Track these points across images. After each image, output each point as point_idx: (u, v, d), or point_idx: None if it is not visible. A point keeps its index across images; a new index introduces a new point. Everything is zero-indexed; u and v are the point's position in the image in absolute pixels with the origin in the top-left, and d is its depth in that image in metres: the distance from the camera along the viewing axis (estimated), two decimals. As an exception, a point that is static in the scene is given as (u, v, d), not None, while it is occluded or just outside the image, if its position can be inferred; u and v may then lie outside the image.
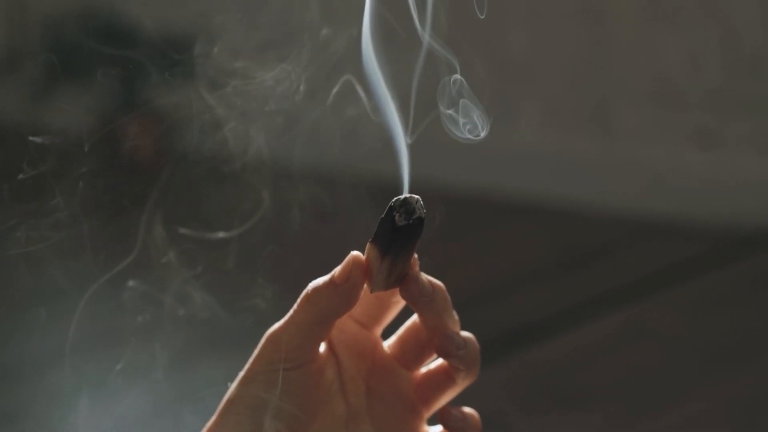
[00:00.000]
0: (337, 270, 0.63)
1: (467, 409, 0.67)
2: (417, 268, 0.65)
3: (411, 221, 0.63)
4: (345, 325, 0.66)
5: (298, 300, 0.63)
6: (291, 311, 0.63)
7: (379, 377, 0.66)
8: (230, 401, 0.64)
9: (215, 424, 0.64)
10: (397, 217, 0.63)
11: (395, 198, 0.63)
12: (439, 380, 0.67)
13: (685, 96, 3.15)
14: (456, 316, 0.67)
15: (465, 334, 0.67)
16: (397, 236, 0.62)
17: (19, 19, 3.86)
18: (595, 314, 2.57)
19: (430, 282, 0.64)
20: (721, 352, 2.38)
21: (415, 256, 0.65)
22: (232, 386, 0.64)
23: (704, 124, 3.13)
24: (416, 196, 0.64)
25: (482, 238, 3.08)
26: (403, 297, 0.64)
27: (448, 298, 0.66)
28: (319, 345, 0.64)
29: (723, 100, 3.11)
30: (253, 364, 0.64)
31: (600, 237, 3.05)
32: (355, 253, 0.63)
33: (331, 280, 0.62)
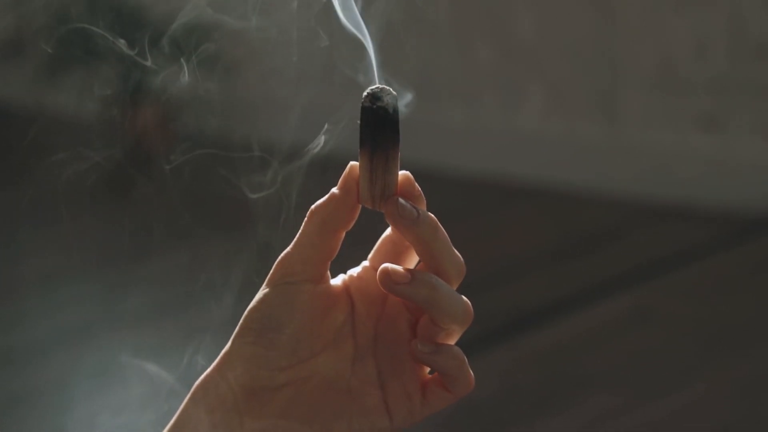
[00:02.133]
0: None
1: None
2: (412, 190, 0.67)
3: (374, 106, 0.66)
4: (363, 272, 0.70)
5: (304, 220, 0.68)
6: (297, 234, 0.68)
7: (387, 323, 0.69)
8: (241, 329, 0.67)
9: (225, 351, 0.68)
10: (363, 100, 0.66)
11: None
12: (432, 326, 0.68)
13: (690, 81, 3.15)
14: (456, 256, 0.68)
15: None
16: (365, 125, 0.66)
17: (24, 1, 3.86)
18: (601, 299, 2.57)
19: (415, 206, 0.67)
20: (725, 336, 2.38)
21: (412, 181, 0.67)
22: (246, 313, 0.67)
23: (709, 109, 3.13)
24: (387, 88, 0.67)
25: (487, 222, 3.08)
26: (387, 218, 0.67)
27: (439, 228, 0.67)
28: (326, 261, 0.68)
29: (728, 85, 3.10)
30: (264, 285, 0.67)
31: (605, 222, 3.05)
32: (352, 162, 0.67)
33: (331, 193, 0.67)
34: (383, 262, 0.69)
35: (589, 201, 3.17)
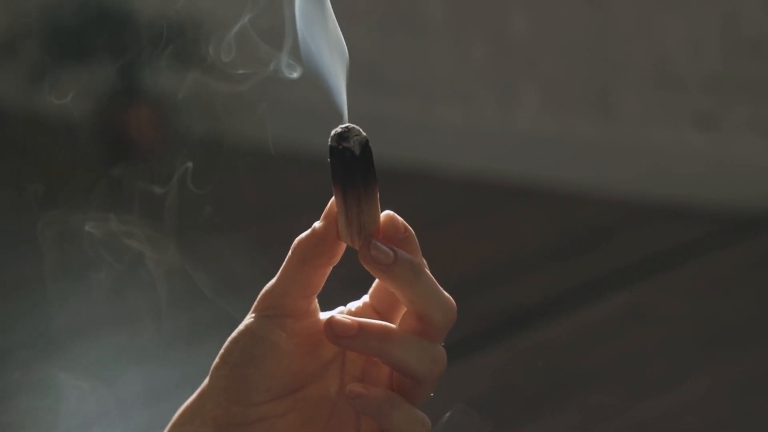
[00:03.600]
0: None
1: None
2: (395, 231, 0.64)
3: (340, 146, 0.64)
4: (362, 308, 0.67)
5: (288, 254, 0.66)
6: (280, 268, 0.66)
7: (374, 363, 0.67)
8: (218, 363, 0.65)
9: (205, 382, 0.66)
10: (329, 140, 0.64)
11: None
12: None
13: (685, 79, 3.15)
14: (444, 302, 0.64)
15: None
16: (333, 165, 0.64)
17: (17, 2, 3.85)
18: (597, 297, 2.57)
19: (391, 248, 0.63)
20: (722, 334, 2.38)
21: (396, 222, 0.65)
22: (224, 346, 0.66)
23: (705, 108, 3.13)
24: (356, 127, 0.64)
25: (483, 221, 3.08)
26: (361, 260, 0.64)
27: (422, 272, 0.64)
28: (308, 296, 0.65)
29: (723, 83, 3.10)
30: (247, 317, 0.66)
31: (601, 220, 3.05)
32: (333, 199, 0.65)
33: (312, 228, 0.65)
34: (382, 299, 0.67)
35: (585, 199, 3.17)
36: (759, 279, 2.64)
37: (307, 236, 0.65)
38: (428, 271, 0.65)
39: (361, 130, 0.64)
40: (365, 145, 0.64)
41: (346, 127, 0.64)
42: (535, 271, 2.73)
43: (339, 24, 0.67)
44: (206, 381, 0.66)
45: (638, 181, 3.18)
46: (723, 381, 2.20)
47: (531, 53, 3.37)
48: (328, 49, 0.67)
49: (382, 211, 0.65)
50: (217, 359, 0.65)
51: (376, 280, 0.67)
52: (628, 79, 3.24)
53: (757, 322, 2.43)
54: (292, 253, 0.65)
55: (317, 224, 0.65)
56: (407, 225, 0.65)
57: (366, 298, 0.68)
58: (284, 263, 0.65)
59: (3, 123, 3.59)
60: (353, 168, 0.64)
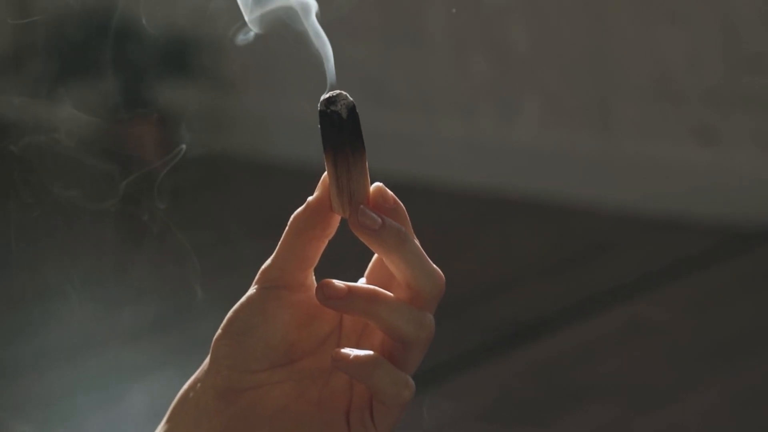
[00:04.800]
0: None
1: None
2: (384, 201, 0.67)
3: (329, 110, 0.66)
4: None
5: (286, 228, 0.69)
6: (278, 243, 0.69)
7: (367, 337, 0.70)
8: (219, 334, 0.68)
9: (207, 359, 0.69)
10: (319, 105, 0.67)
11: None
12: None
13: (685, 92, 3.16)
14: (431, 271, 0.67)
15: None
16: (323, 130, 0.66)
17: (22, 17, 3.87)
18: (597, 311, 2.58)
19: (380, 215, 0.66)
20: (722, 348, 2.38)
21: (384, 192, 0.67)
22: (225, 318, 0.68)
23: (705, 121, 3.14)
24: (344, 93, 0.67)
25: (483, 234, 3.08)
26: (350, 227, 0.67)
27: (408, 240, 0.66)
28: (305, 269, 0.68)
29: (723, 96, 3.11)
30: (246, 293, 0.68)
31: (602, 233, 3.05)
32: (326, 172, 0.68)
33: (307, 202, 0.68)
34: (378, 278, 0.69)
35: (585, 213, 3.17)
36: (760, 292, 2.65)
37: (302, 209, 0.68)
38: (416, 241, 0.67)
39: (348, 95, 0.67)
40: (352, 109, 0.67)
41: (335, 93, 0.67)
42: (536, 285, 2.73)
43: (340, 38, 0.69)
44: (209, 355, 0.69)
45: (639, 195, 3.18)
46: (724, 394, 2.20)
47: (532, 67, 3.38)
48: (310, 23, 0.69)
49: (372, 183, 0.68)
50: (219, 330, 0.68)
51: (372, 261, 0.70)
52: (628, 92, 3.25)
53: (759, 336, 2.43)
54: (289, 227, 0.68)
55: (311, 197, 0.68)
56: (397, 198, 0.68)
57: (362, 279, 0.70)
58: (282, 237, 0.68)
59: (4, 136, 3.59)
60: (341, 131, 0.66)
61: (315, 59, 0.69)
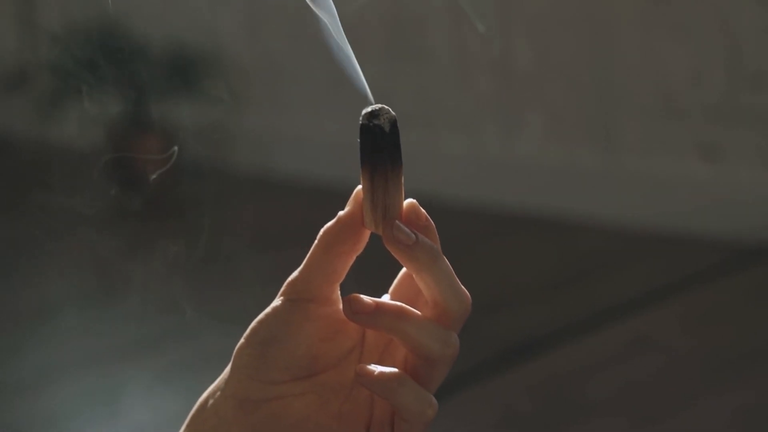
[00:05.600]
0: None
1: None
2: (417, 218, 0.67)
3: (371, 123, 0.66)
4: None
5: (315, 241, 0.68)
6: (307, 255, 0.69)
7: (390, 353, 0.70)
8: (242, 343, 0.68)
9: (228, 367, 0.69)
10: (360, 119, 0.66)
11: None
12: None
13: (688, 109, 3.16)
14: (459, 291, 0.67)
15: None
16: (363, 144, 0.66)
17: (28, 34, 3.88)
18: (599, 327, 2.58)
19: (413, 231, 0.66)
20: (727, 364, 2.38)
21: (418, 208, 0.67)
22: (249, 327, 0.68)
23: (708, 137, 3.14)
24: (386, 107, 0.67)
25: (486, 250, 3.09)
26: (384, 241, 0.67)
27: (440, 258, 0.66)
28: (332, 283, 0.68)
29: (726, 112, 3.12)
30: (272, 304, 0.68)
31: (604, 249, 3.05)
32: (359, 186, 0.68)
33: (338, 216, 0.68)
34: (403, 295, 0.69)
35: (587, 229, 3.17)
36: (761, 310, 2.65)
37: (333, 224, 0.68)
38: (446, 260, 0.67)
39: (390, 109, 0.67)
40: (394, 123, 0.66)
41: (377, 106, 0.67)
42: (538, 300, 2.73)
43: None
44: (230, 363, 0.69)
45: (642, 210, 3.18)
46: (724, 411, 2.20)
47: (535, 83, 3.38)
48: (336, 38, 0.69)
49: (405, 198, 0.68)
50: (242, 340, 0.68)
51: (398, 277, 0.70)
52: (631, 108, 3.25)
53: (763, 351, 2.43)
54: (318, 240, 0.68)
55: (342, 212, 0.68)
56: (428, 216, 0.68)
57: (386, 296, 0.70)
58: (310, 250, 0.68)
59: (11, 152, 3.60)
60: (383, 145, 0.66)
61: (343, 76, 0.69)
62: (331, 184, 3.30)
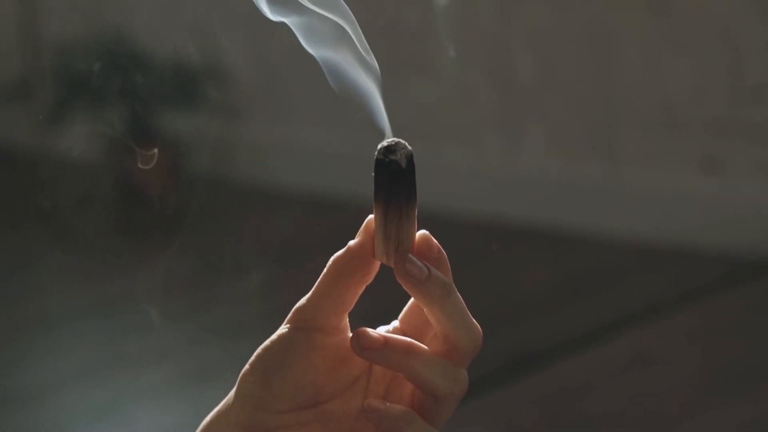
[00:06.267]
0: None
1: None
2: (429, 250, 0.66)
3: (387, 159, 0.65)
4: (392, 332, 0.69)
5: (324, 269, 0.67)
6: (315, 283, 0.68)
7: (396, 385, 0.69)
8: (247, 370, 0.67)
9: (234, 389, 0.68)
10: (376, 153, 0.65)
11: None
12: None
13: (690, 122, 3.16)
14: (471, 327, 0.66)
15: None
16: (378, 178, 0.65)
17: (31, 46, 3.88)
18: (601, 341, 2.57)
19: (426, 265, 0.65)
20: (729, 378, 2.38)
21: (430, 241, 0.66)
22: (254, 354, 0.67)
23: (710, 150, 3.14)
24: (402, 141, 0.66)
25: (489, 263, 3.08)
26: (396, 275, 0.66)
27: (453, 293, 0.66)
28: (340, 313, 0.67)
29: (728, 126, 3.12)
30: (280, 327, 0.67)
31: (606, 263, 3.05)
32: (370, 216, 0.67)
33: (348, 246, 0.67)
34: (412, 324, 0.68)
35: (589, 242, 3.17)
36: (764, 323, 2.64)
37: (343, 253, 0.67)
38: (458, 294, 0.66)
39: (407, 144, 0.66)
40: (411, 159, 0.66)
41: (393, 141, 0.66)
42: (540, 313, 2.73)
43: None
44: (234, 388, 0.68)
45: (644, 224, 3.18)
46: (732, 424, 2.19)
47: (537, 96, 3.38)
48: (359, 68, 0.69)
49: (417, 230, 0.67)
50: (246, 366, 0.67)
51: (407, 306, 0.69)
52: (633, 122, 3.26)
53: (763, 367, 2.42)
54: (327, 269, 0.67)
55: (352, 242, 0.67)
56: (441, 247, 0.67)
57: (395, 323, 0.69)
58: (319, 279, 0.67)
59: (14, 164, 3.61)
60: (399, 181, 0.65)
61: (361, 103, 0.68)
62: (333, 195, 3.30)
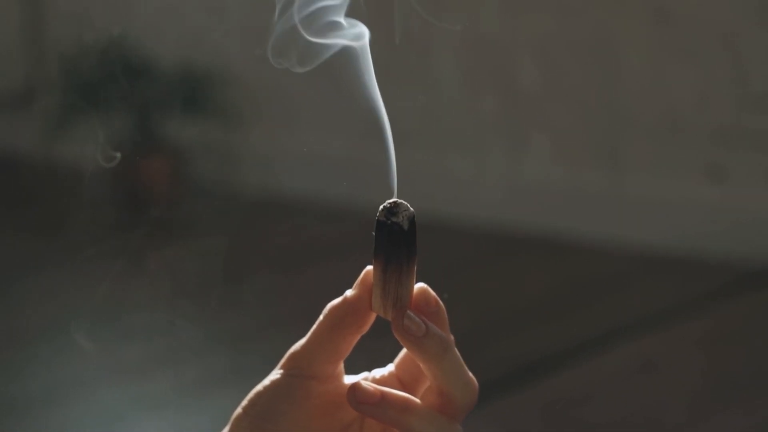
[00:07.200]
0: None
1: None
2: (427, 304, 0.66)
3: (389, 221, 0.65)
4: (387, 377, 0.69)
5: (320, 317, 0.67)
6: (311, 330, 0.67)
7: (391, 428, 0.68)
8: (240, 414, 0.66)
9: (225, 430, 0.67)
10: (378, 215, 0.65)
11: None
12: None
13: (695, 131, 3.16)
14: (468, 382, 0.66)
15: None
16: (379, 238, 0.65)
17: (36, 54, 3.89)
18: (606, 349, 2.57)
19: (424, 321, 0.65)
20: (735, 385, 2.38)
21: (428, 295, 0.66)
22: (247, 397, 0.67)
23: (714, 159, 3.14)
24: (404, 203, 0.66)
25: (492, 271, 3.08)
26: (393, 330, 0.65)
27: (450, 349, 0.65)
28: (335, 361, 0.67)
29: (733, 135, 3.12)
30: (273, 371, 0.67)
31: (610, 271, 3.05)
32: (368, 267, 0.66)
33: (344, 296, 0.66)
34: (408, 370, 0.68)
35: (593, 250, 3.17)
36: (769, 330, 2.64)
37: (339, 304, 0.66)
38: (456, 349, 0.66)
39: (408, 205, 0.66)
40: (412, 221, 0.65)
41: (395, 203, 0.66)
42: (544, 321, 2.73)
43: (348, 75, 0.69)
44: (226, 429, 0.67)
45: (649, 232, 3.18)
46: (736, 431, 2.19)
47: (541, 104, 3.39)
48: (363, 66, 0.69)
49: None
50: (239, 410, 0.67)
51: (403, 351, 0.69)
52: (638, 130, 3.26)
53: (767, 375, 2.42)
54: (324, 318, 0.66)
55: (349, 293, 0.66)
56: (438, 299, 0.67)
57: (391, 367, 0.69)
58: (314, 327, 0.67)
59: (20, 172, 3.61)
60: (400, 242, 0.65)
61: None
62: (338, 202, 3.30)
